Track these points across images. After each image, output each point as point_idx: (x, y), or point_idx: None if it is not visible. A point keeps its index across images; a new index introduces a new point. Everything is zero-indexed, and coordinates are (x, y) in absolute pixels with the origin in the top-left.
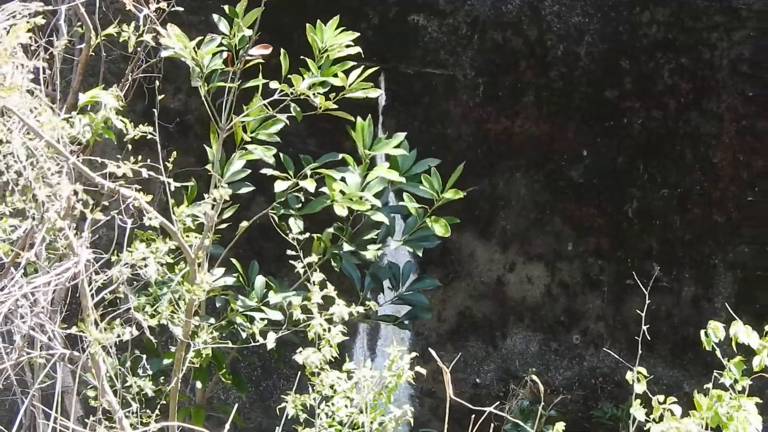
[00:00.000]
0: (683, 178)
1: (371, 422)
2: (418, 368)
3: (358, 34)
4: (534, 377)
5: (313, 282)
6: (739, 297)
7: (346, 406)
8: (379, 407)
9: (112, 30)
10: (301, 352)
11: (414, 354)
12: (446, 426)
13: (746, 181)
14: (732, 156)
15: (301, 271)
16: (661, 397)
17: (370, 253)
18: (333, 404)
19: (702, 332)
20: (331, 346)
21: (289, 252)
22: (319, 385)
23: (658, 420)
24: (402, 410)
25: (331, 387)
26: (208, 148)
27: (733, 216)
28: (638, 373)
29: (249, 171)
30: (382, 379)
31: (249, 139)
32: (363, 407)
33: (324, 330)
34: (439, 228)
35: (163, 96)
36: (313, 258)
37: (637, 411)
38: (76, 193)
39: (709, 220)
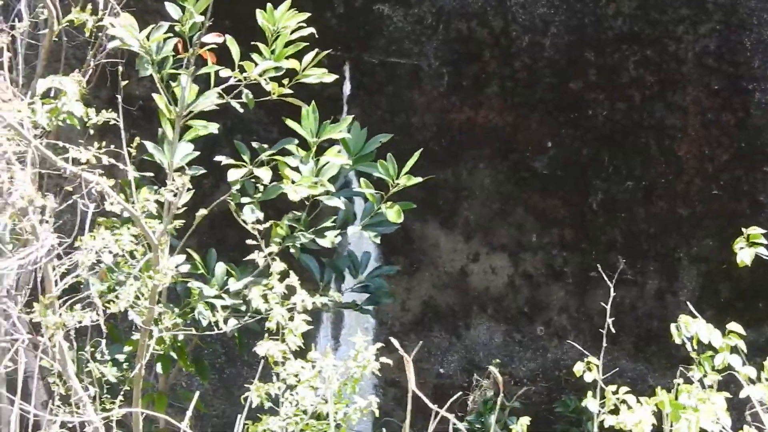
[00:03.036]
0: (648, 171)
1: (335, 412)
2: (383, 359)
3: (309, 14)
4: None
5: (273, 272)
6: (703, 290)
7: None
8: (344, 398)
9: (73, 16)
10: (261, 343)
11: (379, 344)
12: (408, 416)
13: (711, 174)
14: (697, 149)
15: (260, 261)
16: (614, 387)
17: (327, 240)
18: (297, 393)
19: (673, 326)
20: (295, 336)
21: (248, 241)
22: (283, 374)
23: (612, 411)
24: (367, 401)
25: (296, 376)
26: (148, 144)
27: (697, 209)
28: (588, 362)
29: (198, 153)
30: (348, 370)
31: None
32: (327, 397)
33: (286, 320)
34: (393, 214)
35: (127, 82)
36: (273, 248)
37: (590, 402)
38: (40, 177)
39: (674, 213)
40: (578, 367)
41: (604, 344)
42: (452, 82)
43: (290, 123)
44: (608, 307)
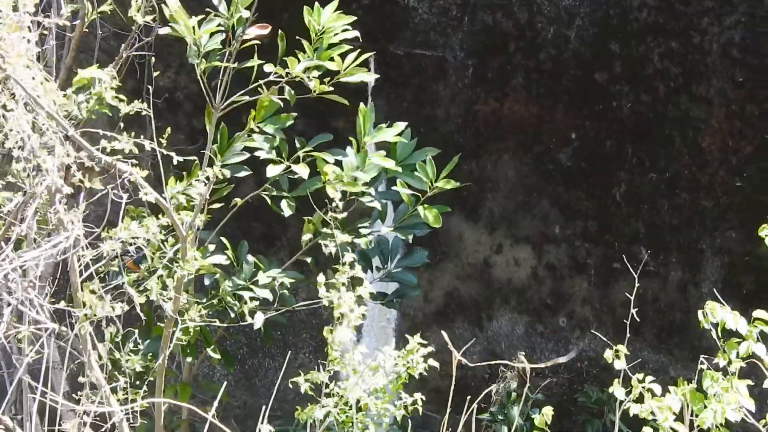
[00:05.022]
0: (671, 163)
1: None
2: (432, 362)
3: (355, 18)
4: (523, 358)
5: (344, 263)
6: (726, 282)
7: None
8: (388, 393)
9: (106, 7)
10: (333, 329)
11: (430, 349)
12: (449, 407)
13: (735, 166)
14: (721, 141)
15: (332, 249)
16: (641, 376)
17: (363, 242)
18: (341, 386)
19: (699, 312)
20: (348, 327)
21: (305, 237)
22: (341, 366)
23: (637, 400)
24: (413, 398)
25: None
26: (209, 129)
27: (721, 201)
28: (616, 351)
29: (248, 155)
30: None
31: (255, 128)
32: (372, 391)
33: (353, 307)
34: (431, 218)
35: (157, 73)
36: (346, 237)
37: (618, 390)
38: (69, 167)
39: (697, 204)
40: (608, 354)
41: (628, 335)
42: (477, 74)
43: (341, 124)
44: (632, 298)
